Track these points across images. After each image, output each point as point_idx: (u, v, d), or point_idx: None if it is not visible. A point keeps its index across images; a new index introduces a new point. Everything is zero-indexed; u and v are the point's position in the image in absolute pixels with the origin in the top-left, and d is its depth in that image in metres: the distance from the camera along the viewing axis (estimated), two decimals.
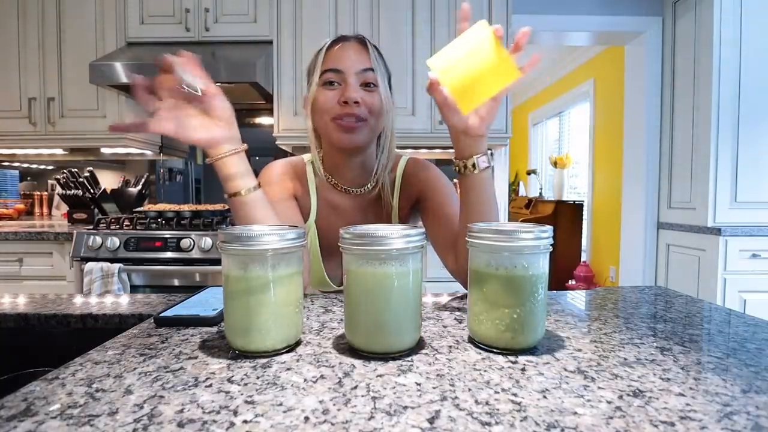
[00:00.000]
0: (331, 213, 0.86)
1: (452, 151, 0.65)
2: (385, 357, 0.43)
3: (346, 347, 0.46)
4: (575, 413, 0.32)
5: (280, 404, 0.33)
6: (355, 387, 0.37)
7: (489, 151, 0.66)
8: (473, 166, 0.62)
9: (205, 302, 0.60)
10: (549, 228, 0.45)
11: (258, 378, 0.38)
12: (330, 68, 0.75)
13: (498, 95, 0.56)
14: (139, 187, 2.35)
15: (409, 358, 0.43)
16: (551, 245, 0.45)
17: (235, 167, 0.61)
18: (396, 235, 0.42)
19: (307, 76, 0.82)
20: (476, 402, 0.34)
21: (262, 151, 2.61)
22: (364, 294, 0.44)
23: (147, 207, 2.04)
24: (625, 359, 0.43)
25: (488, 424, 0.31)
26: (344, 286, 0.46)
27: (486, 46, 0.54)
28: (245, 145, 0.62)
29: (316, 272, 0.87)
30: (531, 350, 0.45)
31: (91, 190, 2.22)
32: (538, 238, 0.44)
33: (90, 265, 1.74)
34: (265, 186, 0.71)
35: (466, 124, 0.59)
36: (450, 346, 0.46)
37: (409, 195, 0.87)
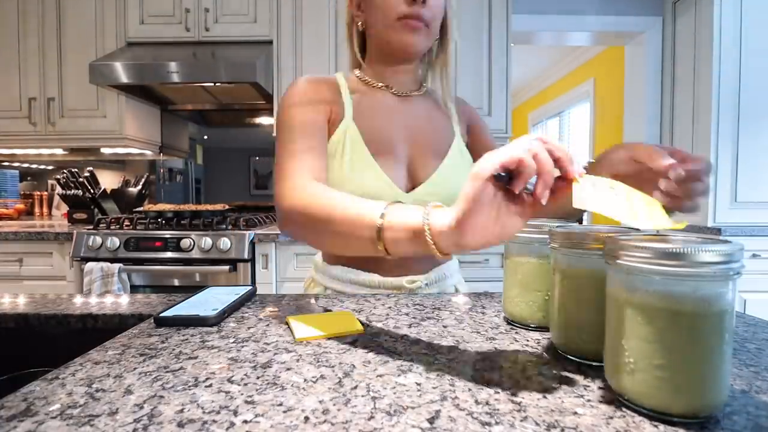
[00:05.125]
0: (374, 110, 0.76)
1: None
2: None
3: (346, 347, 0.46)
4: (575, 413, 0.32)
5: (280, 404, 0.33)
6: (355, 387, 0.37)
7: None
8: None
9: (205, 302, 0.60)
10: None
11: (258, 378, 0.38)
12: None
13: None
14: (139, 187, 2.35)
15: (409, 358, 0.43)
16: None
17: None
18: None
19: None
20: (476, 402, 0.34)
21: (262, 151, 2.60)
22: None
23: (147, 207, 2.04)
24: None
25: (488, 424, 0.31)
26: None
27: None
28: None
29: (375, 178, 0.70)
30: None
31: (91, 190, 2.22)
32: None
33: (90, 265, 1.74)
34: (299, 107, 0.69)
35: None
36: (450, 346, 0.46)
37: (461, 114, 0.83)
